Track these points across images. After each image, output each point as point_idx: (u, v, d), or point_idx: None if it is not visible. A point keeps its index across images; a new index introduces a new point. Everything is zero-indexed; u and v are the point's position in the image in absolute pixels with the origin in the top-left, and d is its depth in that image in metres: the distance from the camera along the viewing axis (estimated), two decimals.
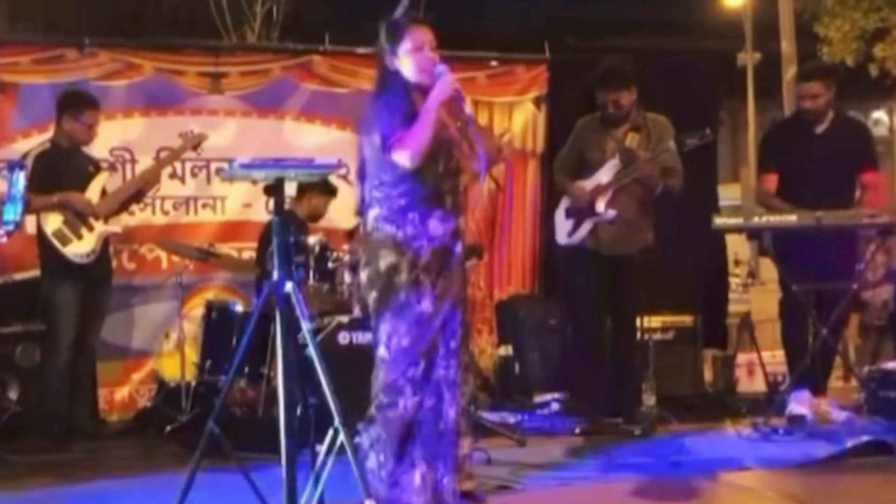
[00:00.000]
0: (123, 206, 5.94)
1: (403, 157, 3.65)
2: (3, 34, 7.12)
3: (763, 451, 5.03)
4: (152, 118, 6.70)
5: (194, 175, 6.76)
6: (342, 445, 3.42)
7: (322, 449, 3.48)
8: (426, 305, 3.69)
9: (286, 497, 3.41)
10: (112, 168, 6.38)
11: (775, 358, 6.52)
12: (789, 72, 15.48)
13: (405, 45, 3.75)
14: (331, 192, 6.37)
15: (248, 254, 6.64)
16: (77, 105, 5.75)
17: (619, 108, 5.74)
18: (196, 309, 6.40)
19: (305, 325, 3.51)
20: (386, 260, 3.70)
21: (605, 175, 5.73)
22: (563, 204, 5.92)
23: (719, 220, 5.62)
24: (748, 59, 20.38)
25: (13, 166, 5.55)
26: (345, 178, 6.86)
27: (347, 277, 5.49)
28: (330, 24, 8.14)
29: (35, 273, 5.82)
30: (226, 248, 6.60)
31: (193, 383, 5.88)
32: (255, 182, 3.91)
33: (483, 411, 5.79)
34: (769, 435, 5.33)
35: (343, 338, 5.35)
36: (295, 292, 3.47)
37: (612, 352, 5.81)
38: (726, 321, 7.47)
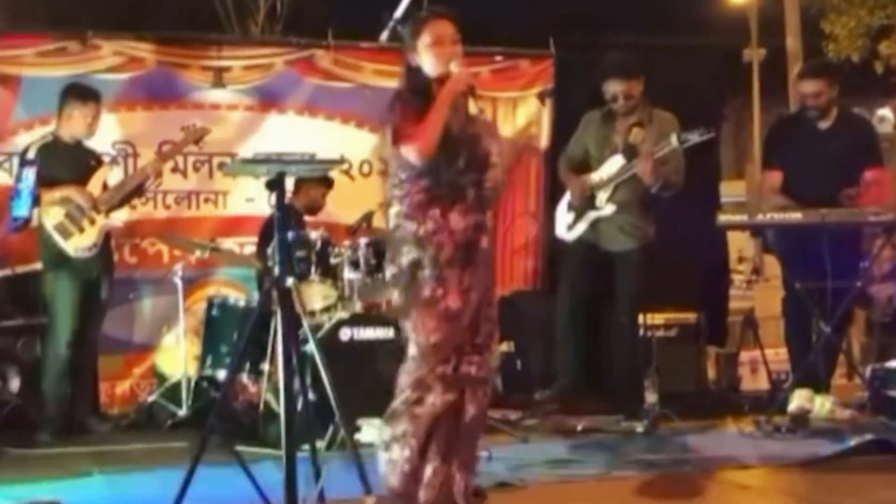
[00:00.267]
0: (125, 200, 5.93)
1: (411, 152, 3.61)
2: (6, 27, 7.09)
3: (766, 449, 5.01)
4: (155, 112, 6.70)
5: (196, 169, 6.75)
6: (342, 441, 3.40)
7: (322, 444, 3.47)
8: (452, 301, 3.62)
9: (286, 492, 3.40)
10: (114, 161, 6.36)
11: (779, 355, 6.50)
12: (795, 68, 15.43)
13: (424, 40, 3.70)
14: (328, 184, 6.35)
15: (250, 248, 6.62)
16: (79, 98, 5.74)
17: (628, 98, 5.71)
18: (197, 303, 6.40)
19: (306, 322, 3.50)
20: (409, 256, 3.64)
21: (607, 170, 5.73)
22: (566, 197, 5.93)
23: (723, 217, 5.60)
24: (754, 55, 20.33)
25: (23, 163, 5.57)
26: (347, 172, 6.85)
27: (349, 273, 5.48)
28: (333, 18, 8.09)
29: (37, 266, 5.81)
30: (228, 243, 6.59)
31: (194, 378, 5.88)
32: (257, 177, 3.89)
33: None
34: (772, 433, 5.31)
35: (344, 334, 5.33)
36: (296, 288, 3.45)
37: (614, 349, 5.79)
38: (727, 318, 7.44)
